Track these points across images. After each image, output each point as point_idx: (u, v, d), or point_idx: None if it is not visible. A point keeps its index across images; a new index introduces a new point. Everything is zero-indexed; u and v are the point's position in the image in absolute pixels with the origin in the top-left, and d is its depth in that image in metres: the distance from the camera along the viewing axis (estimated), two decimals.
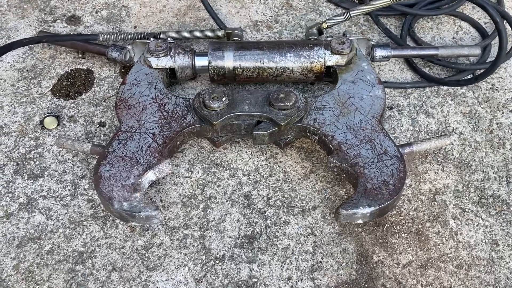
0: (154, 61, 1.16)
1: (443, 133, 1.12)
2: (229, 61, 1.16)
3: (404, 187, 1.09)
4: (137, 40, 1.23)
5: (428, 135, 1.18)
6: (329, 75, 1.18)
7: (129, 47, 1.21)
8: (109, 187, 0.95)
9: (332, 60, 1.15)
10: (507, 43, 1.13)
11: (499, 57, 1.13)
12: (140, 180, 0.96)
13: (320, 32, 1.27)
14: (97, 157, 1.02)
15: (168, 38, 1.23)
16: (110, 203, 0.94)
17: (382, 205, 0.93)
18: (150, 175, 0.99)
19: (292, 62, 1.16)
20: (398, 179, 0.96)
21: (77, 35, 1.30)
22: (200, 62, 1.18)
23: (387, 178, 0.96)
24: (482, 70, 1.28)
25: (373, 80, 1.11)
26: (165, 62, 1.16)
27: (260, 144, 1.10)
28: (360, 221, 0.94)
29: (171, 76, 1.20)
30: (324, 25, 1.26)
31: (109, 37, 1.25)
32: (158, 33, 1.27)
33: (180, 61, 1.17)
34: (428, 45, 1.27)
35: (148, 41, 1.20)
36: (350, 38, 1.17)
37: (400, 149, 1.00)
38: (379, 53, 1.20)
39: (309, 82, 1.24)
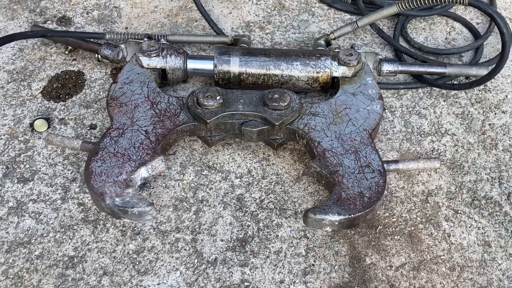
0: (145, 61, 1.15)
1: (432, 156, 1.12)
2: (235, 66, 1.15)
3: (397, 188, 1.09)
4: (130, 40, 1.23)
5: (420, 136, 1.17)
6: (333, 86, 1.18)
7: (122, 46, 1.21)
8: (100, 182, 0.95)
9: (339, 71, 1.15)
10: (509, 53, 1.14)
11: (499, 67, 1.14)
12: (132, 176, 0.96)
13: (328, 43, 1.27)
14: (88, 154, 1.01)
15: (162, 39, 1.23)
16: (102, 198, 0.93)
17: (352, 215, 0.91)
18: (143, 172, 0.98)
19: (298, 70, 1.15)
20: (375, 193, 0.94)
21: (83, 32, 1.29)
22: (192, 64, 1.18)
23: (364, 190, 0.95)
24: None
25: (374, 95, 1.10)
26: (156, 62, 1.15)
27: (248, 141, 1.10)
28: (328, 229, 0.93)
29: (163, 77, 1.19)
30: (332, 36, 1.26)
31: (116, 36, 1.24)
32: (166, 35, 1.27)
33: (172, 62, 1.16)
34: (437, 62, 1.27)
35: (142, 41, 1.20)
36: (358, 50, 1.17)
37: (386, 165, 0.99)
38: (387, 67, 1.19)
39: (314, 92, 1.23)
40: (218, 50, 1.17)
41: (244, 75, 1.16)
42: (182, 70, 1.17)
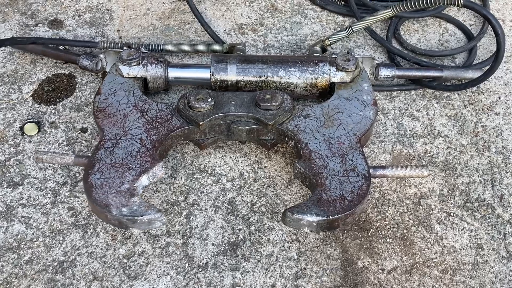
0: (125, 70, 1.13)
1: (422, 164, 1.11)
2: (232, 74, 1.14)
3: (389, 191, 1.08)
4: (109, 49, 1.21)
5: (413, 138, 1.17)
6: (331, 92, 1.17)
7: (101, 56, 1.19)
8: (103, 194, 0.92)
9: (337, 76, 1.14)
10: (503, 55, 1.15)
11: (493, 68, 1.14)
12: (135, 185, 0.94)
13: (324, 49, 1.27)
14: (84, 168, 0.98)
15: (142, 48, 1.22)
16: (108, 210, 0.90)
17: (330, 217, 0.90)
18: (144, 180, 0.96)
19: (296, 77, 1.15)
20: (357, 197, 0.93)
21: (76, 40, 1.29)
22: (173, 73, 1.17)
23: (346, 193, 0.94)
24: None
25: (368, 100, 1.10)
26: (136, 71, 1.14)
27: (237, 140, 1.09)
28: (306, 229, 0.91)
29: (145, 87, 1.17)
30: (327, 42, 1.26)
31: (109, 45, 1.24)
32: (160, 45, 1.26)
33: (153, 71, 1.15)
34: (434, 66, 1.26)
35: (121, 50, 1.18)
36: (355, 56, 1.17)
37: (372, 170, 0.98)
38: (384, 72, 1.18)
39: (313, 98, 1.22)
40: (214, 58, 1.16)
41: (241, 82, 1.15)
42: (163, 78, 1.16)
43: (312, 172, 0.97)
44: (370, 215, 1.05)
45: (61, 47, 1.27)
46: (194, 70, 1.19)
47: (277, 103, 1.05)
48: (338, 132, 1.04)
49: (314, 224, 0.90)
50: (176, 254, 1.00)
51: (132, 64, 1.13)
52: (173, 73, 1.17)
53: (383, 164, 1.12)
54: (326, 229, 0.93)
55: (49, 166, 1.11)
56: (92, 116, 1.18)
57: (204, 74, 1.17)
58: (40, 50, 1.25)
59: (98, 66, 1.19)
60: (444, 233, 1.03)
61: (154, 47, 1.26)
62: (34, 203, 1.06)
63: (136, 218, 0.89)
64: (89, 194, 0.93)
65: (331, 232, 1.03)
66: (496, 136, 1.18)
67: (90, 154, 1.04)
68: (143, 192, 1.07)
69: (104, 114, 1.06)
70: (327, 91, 1.16)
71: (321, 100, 1.21)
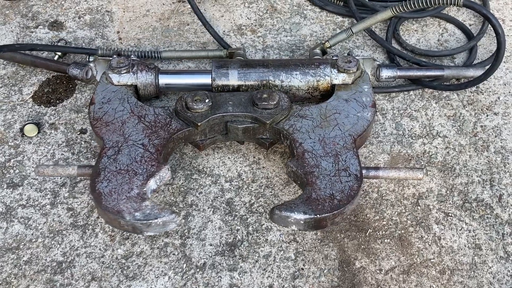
0: (115, 78, 1.13)
1: (416, 166, 1.10)
2: (233, 79, 1.14)
3: (387, 191, 1.08)
4: (99, 58, 1.22)
5: (412, 138, 1.17)
6: (332, 94, 1.17)
7: (91, 64, 1.19)
8: (113, 201, 0.92)
9: (339, 78, 1.14)
10: (504, 54, 1.15)
11: (494, 67, 1.14)
12: (144, 190, 0.94)
13: (324, 52, 1.27)
14: (89, 177, 0.97)
15: (132, 56, 1.22)
16: (121, 216, 0.89)
17: (318, 215, 0.90)
18: (152, 184, 0.96)
19: (298, 80, 1.15)
20: (346, 196, 0.93)
21: (75, 47, 1.29)
22: (164, 80, 1.17)
23: (336, 192, 0.93)
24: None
25: (367, 102, 1.09)
26: (127, 79, 1.13)
27: (234, 139, 1.10)
28: (294, 227, 0.91)
29: (137, 94, 1.17)
30: (327, 44, 1.25)
31: (109, 52, 1.24)
32: (160, 52, 1.27)
33: (143, 78, 1.14)
34: (434, 65, 1.27)
35: (111, 58, 1.18)
36: (356, 57, 1.17)
37: (365, 171, 0.98)
38: (385, 73, 1.18)
39: (315, 101, 1.22)
40: (215, 64, 1.16)
41: (243, 87, 1.15)
42: (154, 85, 1.15)
43: (303, 171, 0.97)
44: (368, 215, 1.05)
45: (58, 55, 1.28)
46: (193, 76, 1.18)
47: (274, 102, 1.05)
48: (334, 133, 1.04)
49: (302, 222, 0.90)
50: (174, 254, 1.00)
51: (122, 72, 1.13)
52: (164, 80, 1.16)
53: (380, 165, 1.12)
54: (314, 227, 0.92)
55: None
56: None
57: (205, 80, 1.16)
58: (29, 60, 1.25)
59: (88, 75, 1.18)
60: (442, 233, 1.03)
61: (154, 54, 1.27)
62: (33, 204, 1.06)
63: (150, 221, 0.89)
64: (98, 203, 0.92)
65: (329, 232, 1.03)
66: (495, 136, 1.17)
67: (93, 164, 1.04)
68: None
69: (101, 122, 1.05)
70: (329, 93, 1.16)
71: (320, 101, 1.21)
